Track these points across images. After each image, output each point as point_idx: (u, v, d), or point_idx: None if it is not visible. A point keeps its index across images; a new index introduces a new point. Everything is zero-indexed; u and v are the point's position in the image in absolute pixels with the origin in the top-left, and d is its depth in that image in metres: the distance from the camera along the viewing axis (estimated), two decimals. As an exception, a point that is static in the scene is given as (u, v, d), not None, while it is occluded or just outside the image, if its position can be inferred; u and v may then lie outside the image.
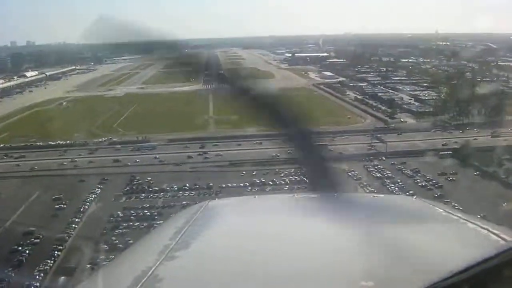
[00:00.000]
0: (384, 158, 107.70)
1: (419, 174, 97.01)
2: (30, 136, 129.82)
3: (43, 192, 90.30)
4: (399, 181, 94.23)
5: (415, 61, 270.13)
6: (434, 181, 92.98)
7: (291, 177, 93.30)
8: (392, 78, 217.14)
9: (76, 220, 79.51)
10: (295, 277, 4.50)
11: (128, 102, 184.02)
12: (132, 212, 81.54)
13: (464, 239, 5.50)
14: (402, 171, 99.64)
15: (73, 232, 74.81)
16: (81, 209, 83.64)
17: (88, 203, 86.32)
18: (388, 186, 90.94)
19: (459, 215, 6.30)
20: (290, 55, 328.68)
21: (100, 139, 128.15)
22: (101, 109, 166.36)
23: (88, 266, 58.70)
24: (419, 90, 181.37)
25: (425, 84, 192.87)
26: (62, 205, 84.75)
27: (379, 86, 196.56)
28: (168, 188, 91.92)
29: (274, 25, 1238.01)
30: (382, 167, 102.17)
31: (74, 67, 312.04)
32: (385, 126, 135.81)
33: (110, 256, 53.85)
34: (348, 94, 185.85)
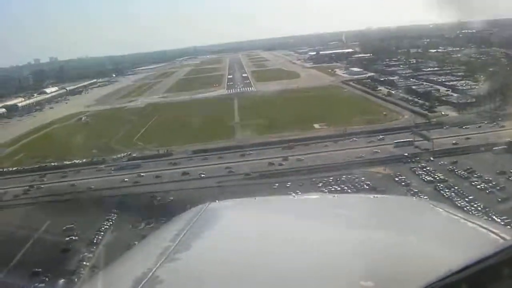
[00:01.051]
0: (431, 158, 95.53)
1: (475, 175, 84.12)
2: (45, 156, 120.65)
3: (53, 221, 79.57)
4: (453, 184, 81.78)
5: (444, 50, 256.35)
6: (494, 183, 79.85)
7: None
8: (424, 69, 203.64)
9: (89, 256, 68.41)
10: (295, 278, 4.48)
11: (149, 113, 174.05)
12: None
13: (464, 238, 5.38)
14: (455, 172, 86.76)
15: (83, 271, 63.40)
16: (95, 241, 73.24)
17: (102, 233, 75.98)
18: (443, 192, 78.88)
19: (459, 214, 6.24)
20: (314, 53, 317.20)
21: (119, 155, 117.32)
22: (121, 122, 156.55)
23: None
24: (455, 80, 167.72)
25: (461, 74, 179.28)
26: (74, 237, 74.55)
27: (411, 79, 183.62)
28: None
29: (295, 26, 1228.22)
30: (431, 168, 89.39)
31: (95, 80, 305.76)
32: (426, 121, 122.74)
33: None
34: (380, 90, 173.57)
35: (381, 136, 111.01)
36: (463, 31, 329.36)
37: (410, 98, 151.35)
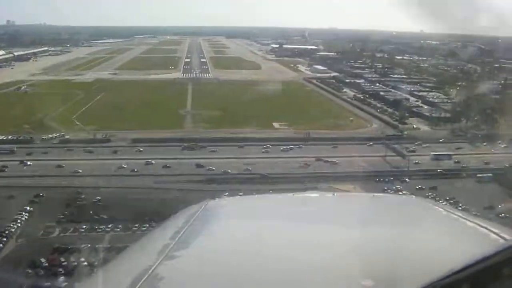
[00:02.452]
0: (407, 179, 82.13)
1: (458, 208, 68.83)
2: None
3: None
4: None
5: (410, 58, 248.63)
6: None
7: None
8: (391, 75, 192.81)
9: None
10: (295, 277, 4.38)
11: (95, 89, 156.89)
12: (63, 259, 54.08)
13: (464, 238, 5.36)
14: (434, 200, 71.45)
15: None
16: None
17: (5, 239, 59.36)
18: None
19: (459, 214, 6.16)
20: (277, 46, 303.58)
21: (50, 135, 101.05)
22: (63, 97, 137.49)
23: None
24: (424, 91, 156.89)
25: (429, 85, 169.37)
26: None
27: (378, 84, 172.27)
28: (120, 216, 64.08)
29: (258, 16, 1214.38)
30: (406, 193, 73.98)
31: (46, 48, 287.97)
32: (398, 133, 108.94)
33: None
34: (345, 92, 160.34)
35: (348, 146, 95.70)
36: (427, 41, 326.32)
37: (378, 104, 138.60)
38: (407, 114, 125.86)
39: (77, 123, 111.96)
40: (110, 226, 61.77)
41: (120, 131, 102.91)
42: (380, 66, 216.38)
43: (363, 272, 4.25)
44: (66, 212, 65.64)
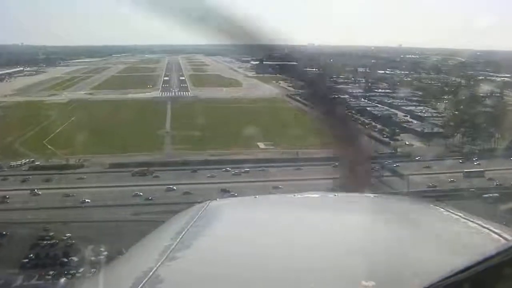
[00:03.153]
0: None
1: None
2: None
3: None
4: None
5: (392, 72, 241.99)
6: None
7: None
8: (375, 90, 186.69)
9: None
10: (296, 277, 4.36)
11: (70, 110, 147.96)
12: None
13: (465, 238, 5.29)
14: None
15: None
16: None
17: None
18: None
19: (460, 214, 6.00)
20: (257, 62, 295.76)
21: (19, 162, 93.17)
22: (35, 119, 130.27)
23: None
24: (412, 105, 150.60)
25: (416, 99, 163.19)
26: None
27: (363, 99, 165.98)
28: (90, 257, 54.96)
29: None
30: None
31: (22, 68, 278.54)
32: (391, 151, 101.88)
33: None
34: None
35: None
36: (408, 56, 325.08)
37: (366, 121, 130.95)
38: (397, 130, 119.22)
39: (49, 147, 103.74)
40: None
41: (95, 155, 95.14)
42: (363, 81, 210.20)
43: (365, 273, 4.18)
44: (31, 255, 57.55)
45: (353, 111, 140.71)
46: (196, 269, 4.73)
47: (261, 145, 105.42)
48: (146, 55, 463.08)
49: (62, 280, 48.01)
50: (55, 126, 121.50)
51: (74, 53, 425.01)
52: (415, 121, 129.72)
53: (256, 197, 7.89)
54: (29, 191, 79.30)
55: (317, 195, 8.24)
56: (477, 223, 5.40)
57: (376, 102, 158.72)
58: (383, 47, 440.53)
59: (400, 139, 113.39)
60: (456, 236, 5.40)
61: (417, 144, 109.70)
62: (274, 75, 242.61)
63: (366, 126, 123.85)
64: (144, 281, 4.21)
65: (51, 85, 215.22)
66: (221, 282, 4.39)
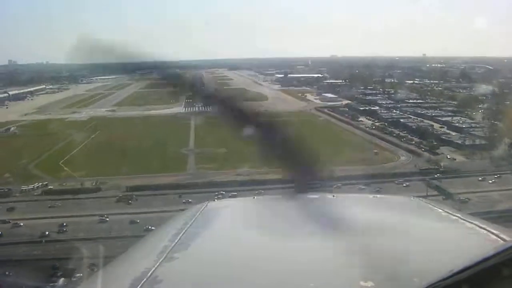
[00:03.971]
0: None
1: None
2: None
3: None
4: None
5: (421, 82, 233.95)
6: None
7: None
8: (406, 101, 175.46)
9: None
10: (294, 278, 4.40)
11: (89, 128, 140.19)
12: None
13: (464, 239, 5.37)
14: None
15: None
16: None
17: None
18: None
19: (459, 215, 6.15)
20: (281, 75, 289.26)
21: (31, 186, 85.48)
22: (53, 138, 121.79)
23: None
24: (447, 116, 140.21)
25: (450, 108, 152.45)
26: None
27: (395, 111, 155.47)
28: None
29: (260, 47, 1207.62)
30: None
31: (44, 86, 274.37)
32: (434, 166, 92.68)
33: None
34: (362, 120, 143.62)
35: (377, 188, 78.92)
36: (434, 65, 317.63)
37: (401, 133, 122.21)
38: (435, 143, 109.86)
39: (66, 168, 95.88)
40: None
41: (113, 177, 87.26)
42: (393, 92, 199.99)
43: (363, 273, 4.19)
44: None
45: (385, 124, 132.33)
46: (194, 269, 4.73)
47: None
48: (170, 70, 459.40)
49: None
50: (73, 146, 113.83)
51: (97, 69, 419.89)
52: (453, 133, 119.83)
53: (254, 198, 8.08)
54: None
55: (315, 196, 7.65)
56: (475, 224, 5.37)
57: (408, 113, 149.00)
58: (407, 57, 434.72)
59: (440, 152, 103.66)
60: (454, 237, 5.41)
61: (459, 157, 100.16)
62: (300, 88, 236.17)
63: (402, 140, 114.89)
64: (142, 282, 4.18)
65: (72, 102, 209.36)
66: (219, 283, 4.36)
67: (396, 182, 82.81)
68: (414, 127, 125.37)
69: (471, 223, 5.53)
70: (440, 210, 6.58)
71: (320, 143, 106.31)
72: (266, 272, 4.51)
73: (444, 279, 3.03)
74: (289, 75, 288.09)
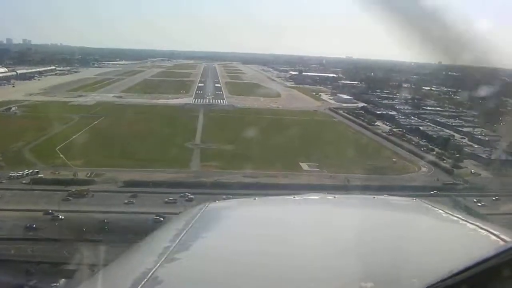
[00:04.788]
0: None
1: None
2: None
3: None
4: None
5: (438, 89, 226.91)
6: None
7: None
8: (424, 108, 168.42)
9: None
10: (295, 278, 4.35)
11: (93, 114, 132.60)
12: None
13: (464, 239, 5.29)
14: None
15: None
16: None
17: None
18: None
19: (459, 215, 6.01)
20: (296, 73, 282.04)
21: (21, 172, 77.73)
22: (55, 122, 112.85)
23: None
24: (468, 126, 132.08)
25: (471, 119, 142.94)
26: None
27: (413, 117, 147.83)
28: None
29: (274, 44, 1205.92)
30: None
31: (54, 67, 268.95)
32: (459, 181, 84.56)
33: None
34: (378, 125, 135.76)
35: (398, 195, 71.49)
36: (449, 73, 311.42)
37: (420, 142, 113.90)
38: (457, 155, 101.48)
39: (61, 155, 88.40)
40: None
41: (111, 169, 79.86)
42: (410, 97, 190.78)
43: (364, 274, 4.19)
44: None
45: (403, 130, 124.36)
46: (194, 270, 4.70)
47: (304, 166, 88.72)
48: (182, 61, 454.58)
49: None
50: (73, 132, 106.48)
51: (111, 55, 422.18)
52: (475, 145, 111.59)
53: (255, 199, 7.74)
54: None
55: (315, 197, 7.82)
56: (475, 225, 5.32)
57: (427, 121, 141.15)
58: (424, 63, 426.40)
59: (463, 166, 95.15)
60: (454, 238, 5.36)
61: (483, 173, 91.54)
62: (314, 87, 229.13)
63: (422, 149, 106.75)
64: (142, 282, 4.14)
65: (80, 85, 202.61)
66: (219, 283, 4.34)
67: (416, 194, 74.80)
68: (434, 136, 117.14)
69: (472, 224, 5.39)
70: (441, 211, 6.37)
71: (334, 146, 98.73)
72: (267, 272, 4.45)
73: (444, 280, 3.04)
74: (303, 73, 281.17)
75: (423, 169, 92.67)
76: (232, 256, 4.94)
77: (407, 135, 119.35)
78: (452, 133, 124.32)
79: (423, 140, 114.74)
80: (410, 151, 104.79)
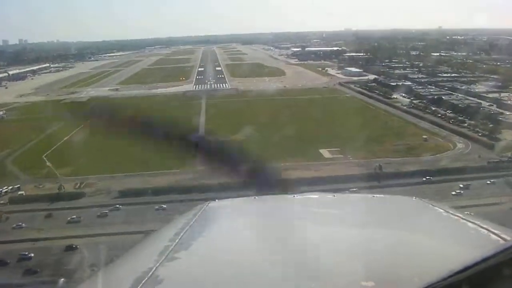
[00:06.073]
0: None
1: None
2: None
3: None
4: None
5: (448, 54, 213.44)
6: None
7: None
8: (440, 75, 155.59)
9: None
10: (295, 277, 4.28)
11: (86, 112, 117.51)
12: None
13: (464, 238, 5.21)
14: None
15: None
16: None
17: None
18: None
19: (459, 215, 5.90)
20: (298, 49, 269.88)
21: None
22: (43, 124, 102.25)
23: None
24: (493, 92, 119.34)
25: (492, 83, 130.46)
26: None
27: (430, 86, 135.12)
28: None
29: (273, 22, 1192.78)
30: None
31: (48, 65, 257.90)
32: (506, 157, 71.95)
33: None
34: (396, 98, 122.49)
35: (437, 184, 60.73)
36: (454, 37, 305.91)
37: (447, 114, 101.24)
38: (491, 125, 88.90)
39: (48, 163, 76.79)
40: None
41: (104, 176, 68.27)
42: (422, 65, 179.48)
43: (364, 273, 4.14)
44: None
45: (425, 102, 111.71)
46: (195, 269, 4.69)
47: (325, 153, 76.34)
48: (180, 47, 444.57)
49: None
50: (63, 134, 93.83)
51: (107, 47, 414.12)
52: (507, 112, 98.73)
53: (255, 198, 7.65)
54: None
55: (315, 196, 7.97)
56: (476, 224, 5.27)
57: (446, 88, 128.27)
58: (423, 29, 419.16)
59: (502, 138, 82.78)
60: (454, 236, 5.30)
61: (526, 144, 79.23)
62: (318, 62, 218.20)
63: (451, 122, 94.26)
64: (143, 281, 4.14)
65: (74, 81, 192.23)
66: (220, 282, 4.32)
67: (461, 184, 62.34)
68: (460, 105, 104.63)
69: (472, 222, 5.35)
70: (441, 210, 6.32)
71: (353, 126, 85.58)
72: (267, 271, 4.45)
73: (444, 279, 3.03)
74: (306, 48, 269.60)
75: (459, 145, 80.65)
76: (232, 255, 4.87)
77: (430, 107, 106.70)
78: (477, 100, 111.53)
79: (449, 111, 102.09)
80: (439, 125, 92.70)
